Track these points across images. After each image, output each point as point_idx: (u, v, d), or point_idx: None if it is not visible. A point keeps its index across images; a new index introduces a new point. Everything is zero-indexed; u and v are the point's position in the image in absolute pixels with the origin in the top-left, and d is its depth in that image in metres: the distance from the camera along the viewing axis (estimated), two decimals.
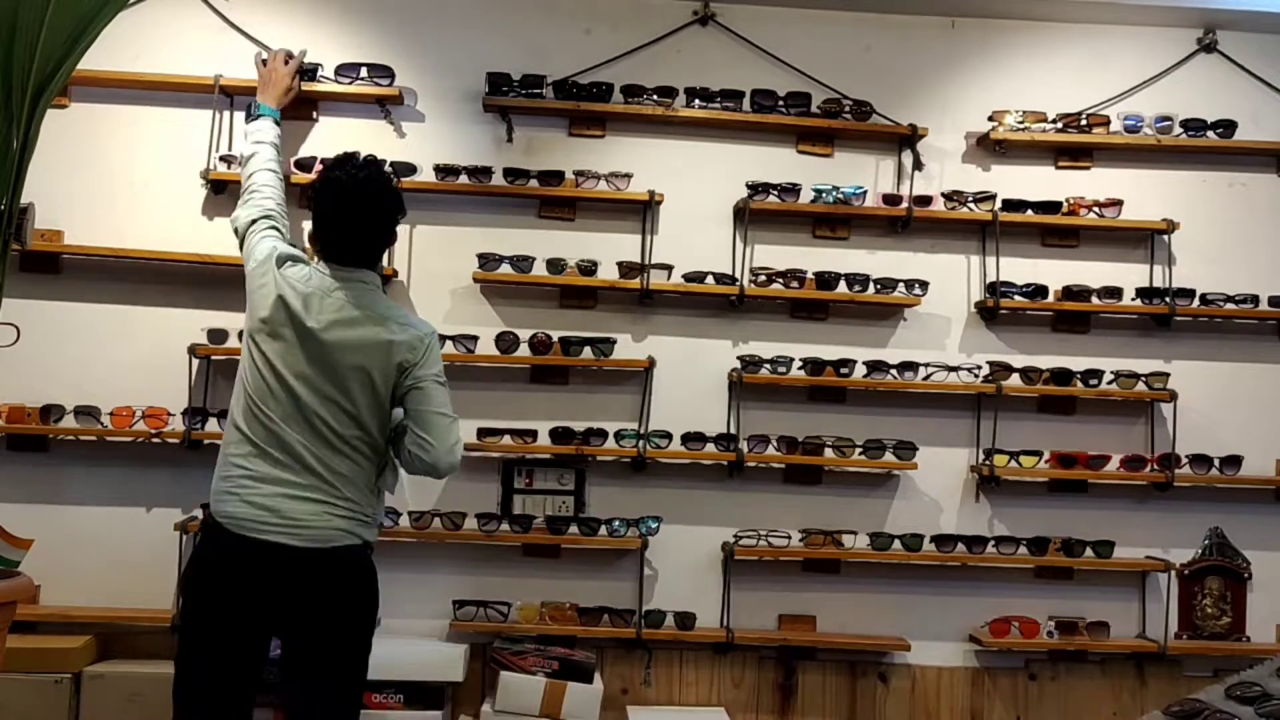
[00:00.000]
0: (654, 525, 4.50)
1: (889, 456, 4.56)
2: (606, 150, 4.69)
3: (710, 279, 4.59)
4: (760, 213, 4.67)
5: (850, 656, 4.60)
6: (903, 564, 4.59)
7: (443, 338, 4.46)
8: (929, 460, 4.61)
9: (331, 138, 4.62)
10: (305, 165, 4.51)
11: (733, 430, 4.59)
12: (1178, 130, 4.77)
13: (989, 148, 4.78)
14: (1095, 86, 4.81)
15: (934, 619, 4.64)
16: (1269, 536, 4.72)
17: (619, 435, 4.50)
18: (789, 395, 4.66)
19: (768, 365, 4.58)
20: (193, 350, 4.41)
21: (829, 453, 4.58)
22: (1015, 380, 4.64)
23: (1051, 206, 4.71)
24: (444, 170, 4.55)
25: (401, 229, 4.58)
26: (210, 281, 4.51)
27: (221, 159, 4.52)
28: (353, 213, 3.17)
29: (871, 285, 4.62)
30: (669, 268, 4.59)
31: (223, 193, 4.58)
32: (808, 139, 4.76)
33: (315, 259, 3.22)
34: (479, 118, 4.65)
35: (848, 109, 4.70)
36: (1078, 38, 4.85)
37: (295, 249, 3.32)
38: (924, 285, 4.62)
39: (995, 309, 4.66)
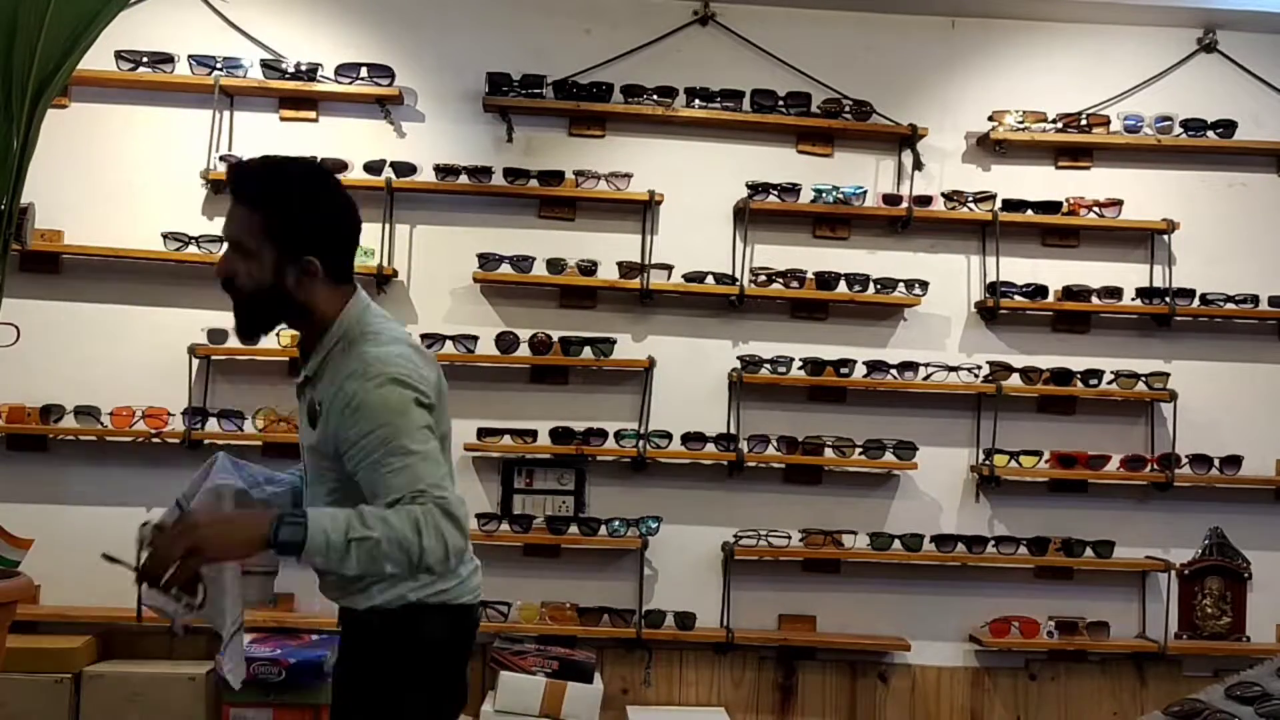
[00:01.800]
0: (654, 525, 4.50)
1: (889, 456, 4.56)
2: (606, 150, 4.69)
3: (710, 279, 4.59)
4: (760, 213, 4.67)
5: (850, 656, 4.60)
6: (903, 564, 4.59)
7: (443, 338, 4.48)
8: (929, 460, 4.61)
9: (332, 138, 4.62)
10: None
11: (733, 430, 4.59)
12: (1178, 130, 4.76)
13: (989, 148, 4.78)
14: (1095, 86, 4.81)
15: (934, 619, 4.64)
16: (1269, 536, 4.72)
17: (619, 435, 4.50)
18: (789, 395, 4.65)
19: (768, 365, 4.58)
20: (193, 350, 4.41)
21: (829, 453, 4.58)
22: (1015, 380, 4.64)
23: (1051, 206, 4.71)
24: (444, 170, 4.55)
25: (401, 229, 4.62)
26: (210, 282, 4.49)
27: (221, 159, 4.52)
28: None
29: (871, 285, 4.62)
30: (669, 268, 4.59)
31: (222, 192, 4.58)
32: (808, 139, 4.76)
33: (355, 294, 2.28)
34: (479, 118, 4.65)
35: (848, 109, 4.70)
36: (1078, 38, 4.85)
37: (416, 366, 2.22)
38: (924, 285, 4.62)
39: (995, 309, 4.66)
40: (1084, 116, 4.76)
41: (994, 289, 4.66)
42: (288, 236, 2.16)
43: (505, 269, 4.52)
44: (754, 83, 4.68)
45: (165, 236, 4.43)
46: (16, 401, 4.36)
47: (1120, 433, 4.74)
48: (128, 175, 4.56)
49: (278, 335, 4.46)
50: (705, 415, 4.60)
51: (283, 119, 4.64)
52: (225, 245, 2.28)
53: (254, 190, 2.21)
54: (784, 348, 4.64)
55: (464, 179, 4.55)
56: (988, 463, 4.59)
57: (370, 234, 4.55)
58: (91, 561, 4.52)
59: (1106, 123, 4.78)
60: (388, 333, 2.19)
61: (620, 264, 4.59)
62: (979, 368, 4.64)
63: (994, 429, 4.64)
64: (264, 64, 4.55)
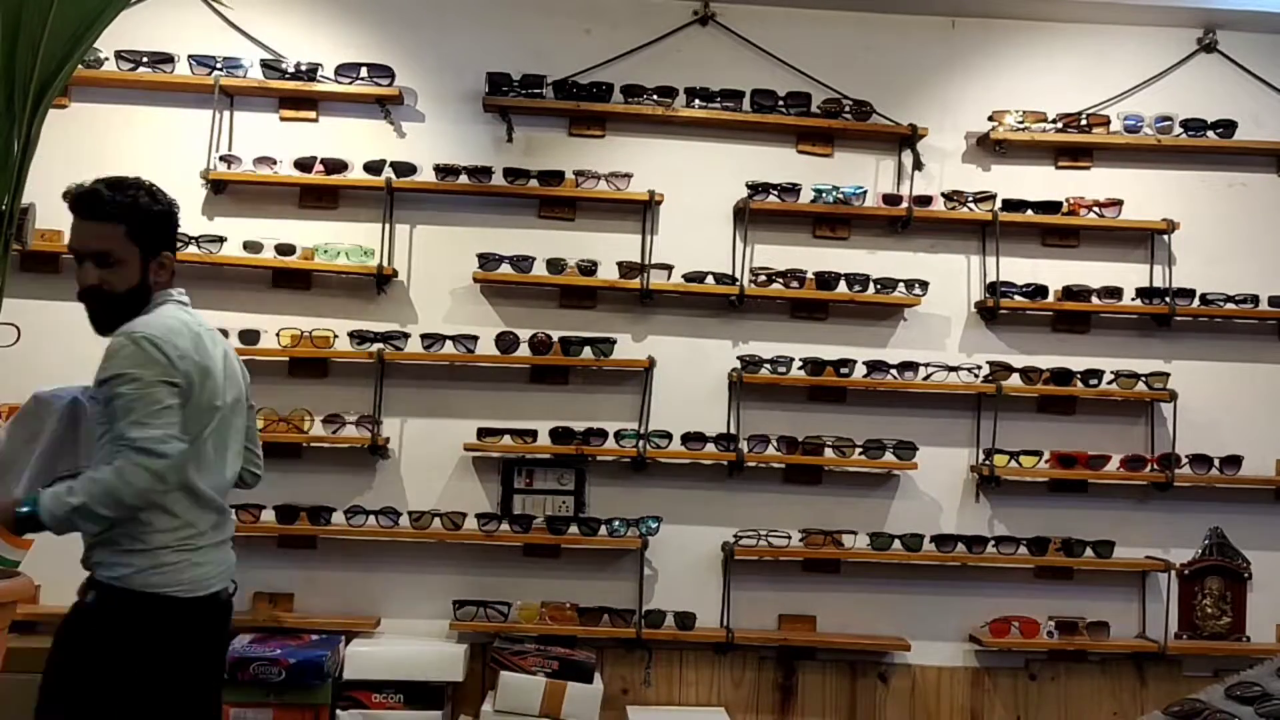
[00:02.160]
0: (654, 525, 4.50)
1: (889, 456, 4.56)
2: (606, 150, 4.69)
3: (710, 279, 4.59)
4: (760, 213, 4.67)
5: (850, 656, 4.60)
6: (903, 564, 4.59)
7: (443, 338, 4.48)
8: (929, 460, 4.61)
9: (332, 138, 4.62)
10: (305, 165, 4.51)
11: (733, 430, 4.59)
12: (1178, 130, 4.77)
13: (989, 148, 4.78)
14: (1095, 86, 4.81)
15: (934, 619, 4.64)
16: (1269, 536, 4.72)
17: (619, 435, 4.50)
18: (789, 395, 4.66)
19: (768, 365, 4.58)
20: None
21: (829, 453, 4.58)
22: (1015, 380, 4.64)
23: (1051, 206, 4.71)
24: (444, 170, 4.55)
25: (401, 229, 4.63)
26: (210, 281, 4.51)
27: (221, 159, 4.52)
28: None
29: (871, 285, 4.62)
30: (669, 268, 4.59)
31: (222, 192, 4.58)
32: (808, 139, 4.76)
33: (170, 291, 2.73)
34: (479, 118, 4.65)
35: (848, 109, 4.70)
36: (1078, 38, 4.85)
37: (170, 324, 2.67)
38: (924, 285, 4.62)
39: (995, 309, 4.66)
40: (1084, 116, 4.76)
41: (994, 289, 4.66)
42: (148, 239, 2.61)
43: (505, 269, 4.52)
44: (754, 83, 4.68)
45: None
46: (16, 401, 4.34)
47: (1120, 433, 4.74)
48: (128, 175, 4.54)
49: (278, 335, 4.47)
50: (705, 415, 4.60)
51: (283, 119, 4.63)
52: (81, 259, 2.62)
53: (109, 207, 2.58)
54: (784, 348, 4.64)
55: (464, 179, 4.55)
56: (988, 463, 4.59)
57: (370, 234, 4.55)
58: None
59: (1106, 123, 4.78)
60: (169, 311, 2.62)
61: (620, 264, 4.59)
62: (979, 368, 4.64)
63: (994, 429, 4.64)
64: (264, 64, 4.55)
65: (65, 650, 2.59)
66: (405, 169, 4.54)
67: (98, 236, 2.57)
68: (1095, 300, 4.68)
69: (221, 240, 4.47)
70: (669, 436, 4.52)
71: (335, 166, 4.53)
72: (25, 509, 2.45)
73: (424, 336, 4.51)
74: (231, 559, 2.72)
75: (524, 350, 4.52)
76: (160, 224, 2.65)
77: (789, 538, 4.54)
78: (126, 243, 2.58)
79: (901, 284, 4.61)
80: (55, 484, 2.46)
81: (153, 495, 2.43)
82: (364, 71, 4.55)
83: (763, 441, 4.55)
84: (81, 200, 2.59)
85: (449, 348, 4.48)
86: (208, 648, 2.67)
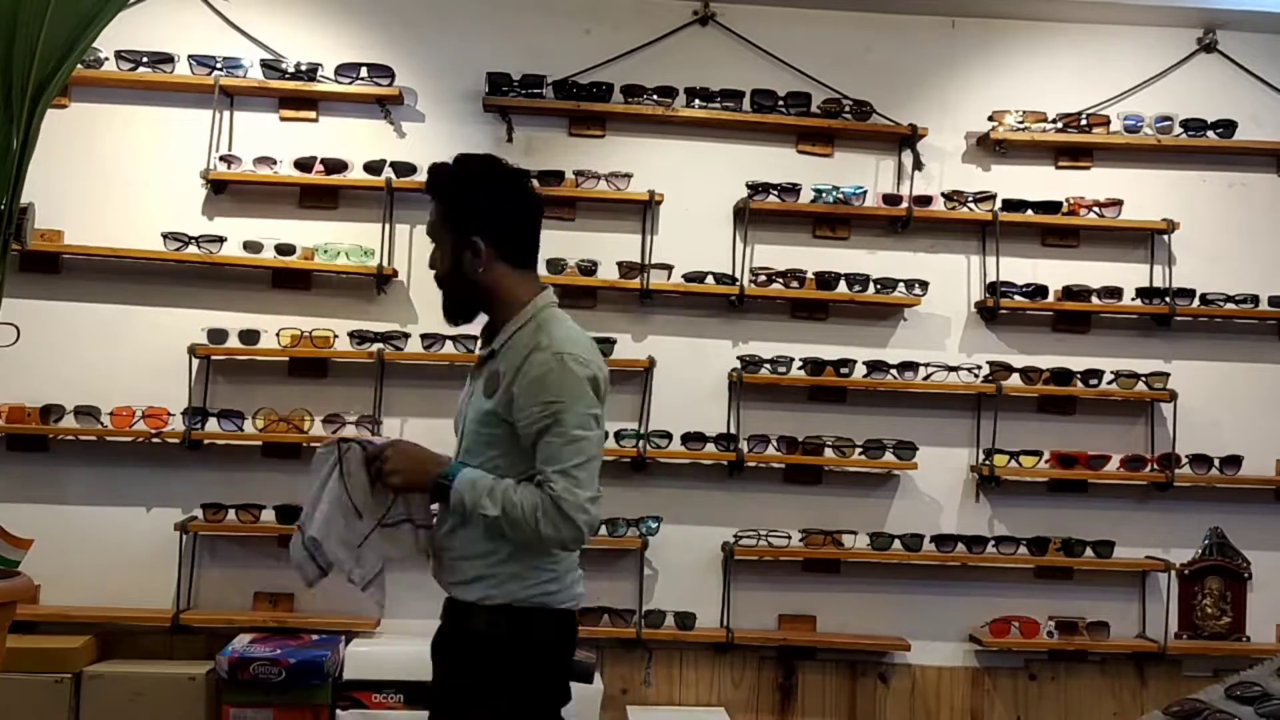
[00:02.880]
0: (654, 525, 4.50)
1: (889, 456, 4.56)
2: (606, 150, 4.69)
3: (710, 279, 4.59)
4: (760, 213, 4.67)
5: (850, 656, 4.60)
6: (903, 564, 4.58)
7: (443, 338, 4.48)
8: (929, 460, 4.61)
9: (332, 138, 4.62)
10: (305, 165, 4.51)
11: (733, 430, 4.59)
12: (1178, 130, 4.76)
13: (989, 148, 4.78)
14: (1095, 86, 4.81)
15: (934, 619, 4.64)
16: (1269, 536, 4.72)
17: (619, 435, 4.50)
18: (789, 395, 4.65)
19: (768, 365, 4.58)
20: (193, 350, 4.41)
21: (829, 453, 4.58)
22: (1015, 380, 4.64)
23: (1051, 206, 4.71)
24: None
25: (401, 229, 4.63)
26: (210, 281, 4.52)
27: (221, 159, 4.52)
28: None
29: (871, 285, 4.62)
30: (669, 268, 4.59)
31: (222, 193, 4.58)
32: (808, 139, 4.76)
33: (545, 289, 2.58)
34: (479, 118, 4.65)
35: (848, 109, 4.70)
36: (1078, 38, 4.85)
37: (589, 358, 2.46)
38: (924, 285, 4.62)
39: (995, 309, 4.66)
40: (1084, 116, 4.76)
41: (994, 289, 4.66)
42: (458, 221, 2.44)
43: None
44: (754, 83, 4.68)
45: (165, 236, 4.43)
46: (16, 401, 4.36)
47: (1120, 433, 4.74)
48: (128, 175, 4.56)
49: (278, 335, 4.47)
50: (705, 415, 4.60)
51: (283, 119, 4.63)
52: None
53: (435, 184, 2.51)
54: (784, 348, 4.64)
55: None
56: (988, 463, 4.59)
57: (370, 234, 4.55)
58: (91, 561, 4.55)
59: (1106, 123, 4.78)
60: (570, 322, 2.48)
61: (620, 264, 4.59)
62: (979, 368, 4.64)
63: (994, 429, 4.64)
64: (264, 64, 4.55)
65: (470, 675, 2.40)
66: (405, 169, 4.54)
67: (431, 216, 2.51)
68: (1095, 300, 4.67)
69: (221, 240, 4.47)
70: (669, 436, 4.52)
71: (335, 166, 4.53)
72: (446, 477, 2.36)
73: (424, 336, 4.51)
74: None
75: None
76: (474, 206, 2.47)
77: (789, 538, 4.54)
78: (440, 225, 2.48)
79: (901, 284, 4.61)
80: (482, 473, 2.35)
81: (564, 548, 2.37)
82: (364, 71, 4.55)
83: (763, 441, 4.55)
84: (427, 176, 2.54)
85: (449, 348, 4.48)
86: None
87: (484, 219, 2.45)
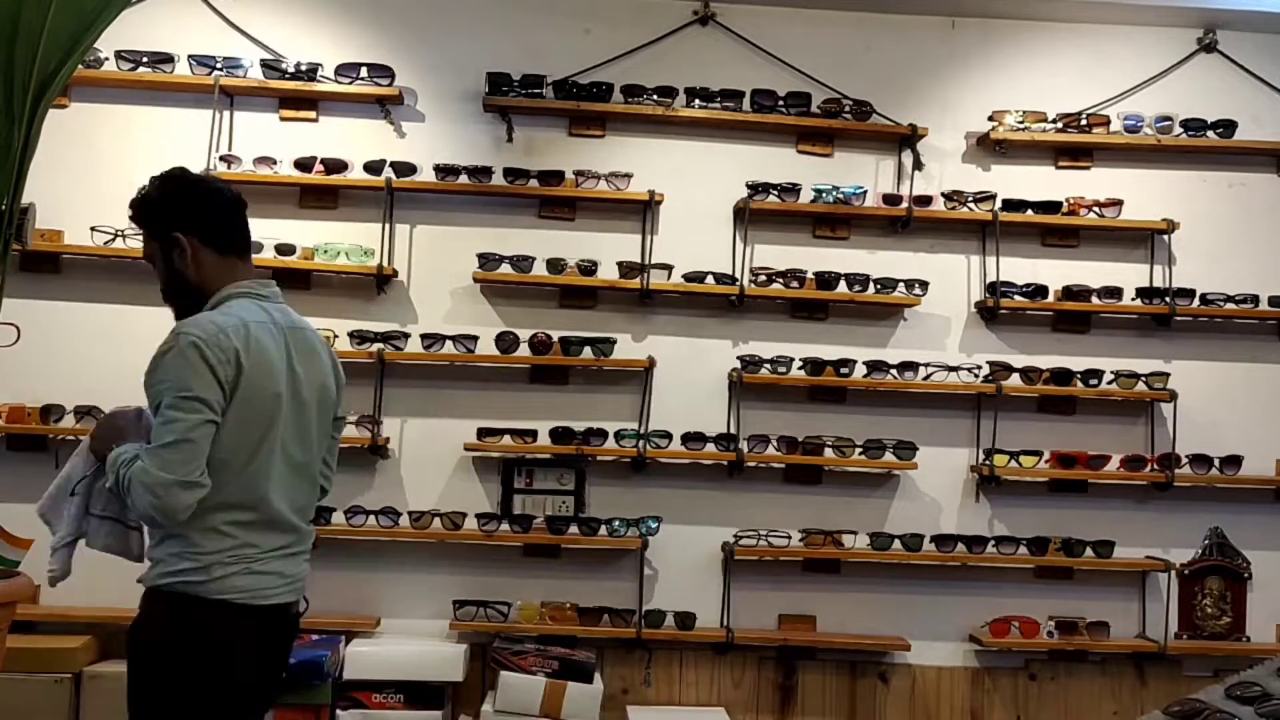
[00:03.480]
0: (654, 525, 4.50)
1: (889, 456, 4.56)
2: (606, 150, 4.69)
3: (710, 279, 4.59)
4: (760, 213, 4.67)
5: (850, 656, 4.60)
6: (903, 564, 4.59)
7: (443, 338, 4.48)
8: (929, 460, 4.61)
9: (332, 137, 4.62)
10: (305, 165, 4.51)
11: (733, 430, 4.59)
12: (1178, 130, 4.77)
13: (989, 148, 4.78)
14: (1095, 86, 4.81)
15: (934, 619, 4.64)
16: (1269, 536, 4.72)
17: (619, 435, 4.50)
18: (789, 395, 4.66)
19: (768, 365, 4.58)
20: None
21: (829, 453, 4.58)
22: (1015, 380, 4.64)
23: (1051, 206, 4.71)
24: (444, 170, 4.55)
25: (401, 229, 4.63)
26: None
27: (221, 159, 4.52)
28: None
29: (871, 285, 4.62)
30: (669, 268, 4.59)
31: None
32: (808, 139, 4.76)
33: (240, 281, 2.62)
34: (479, 118, 4.65)
35: (848, 109, 4.70)
36: (1078, 38, 4.85)
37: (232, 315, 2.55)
38: (924, 285, 4.62)
39: (995, 309, 4.66)
40: (1084, 116, 4.76)
41: (994, 289, 4.66)
42: (159, 229, 2.56)
43: (505, 269, 4.52)
44: (754, 83, 4.68)
45: None
46: (16, 401, 4.36)
47: (1120, 433, 4.74)
48: (128, 175, 4.53)
49: None
50: (705, 415, 4.60)
51: (283, 119, 4.63)
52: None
53: (138, 214, 2.61)
54: (784, 348, 4.64)
55: (464, 179, 4.55)
56: (988, 463, 4.59)
57: (370, 234, 4.55)
58: (91, 561, 4.53)
59: (1106, 123, 4.78)
60: (232, 307, 2.51)
61: (620, 264, 4.59)
62: (979, 368, 4.64)
63: (994, 429, 4.64)
64: (264, 64, 4.55)
65: (132, 663, 2.46)
66: (405, 169, 4.54)
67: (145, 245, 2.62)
68: (1095, 300, 4.68)
69: None
70: (669, 436, 4.52)
71: (335, 166, 4.53)
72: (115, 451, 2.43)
73: (424, 336, 4.51)
74: (303, 571, 2.55)
75: (524, 350, 4.52)
76: (167, 209, 2.58)
77: (789, 538, 4.54)
78: (148, 242, 2.62)
79: (901, 284, 4.61)
80: (133, 446, 2.43)
81: (149, 524, 2.45)
82: (364, 71, 4.56)
83: (763, 441, 4.55)
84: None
85: (449, 348, 4.48)
86: (260, 660, 2.48)
87: (178, 216, 2.56)
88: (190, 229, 2.53)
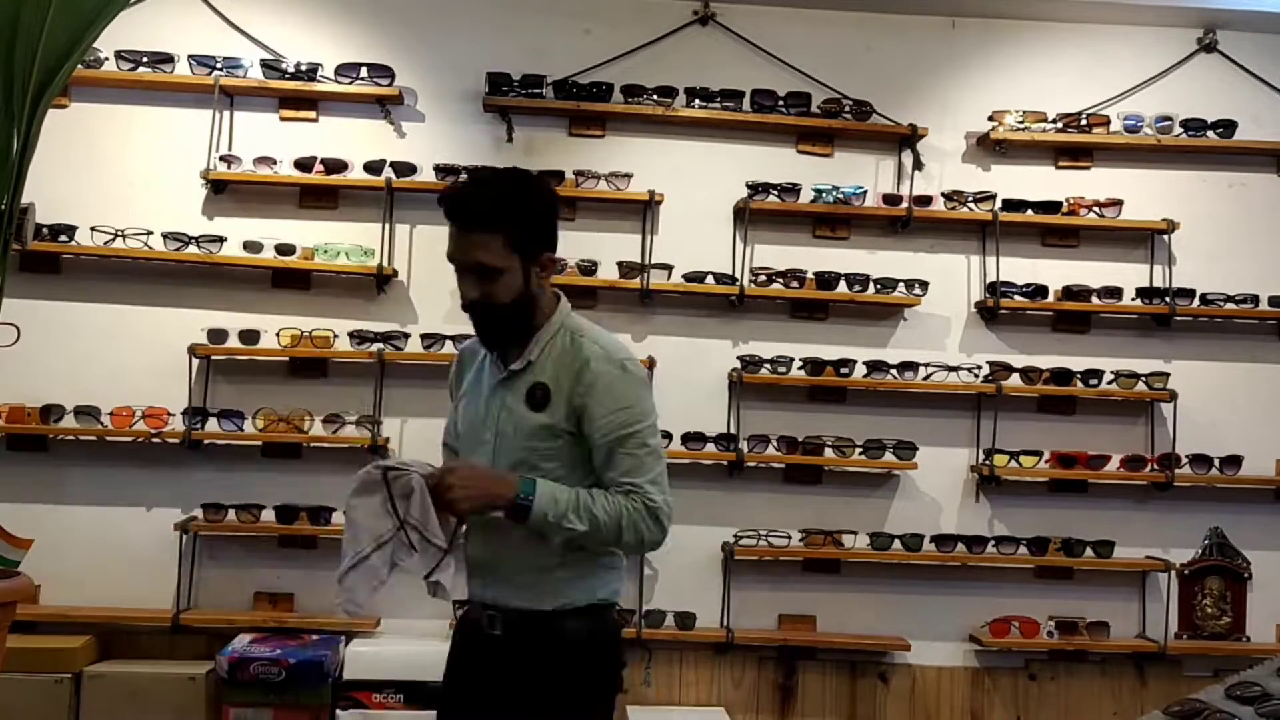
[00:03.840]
0: None
1: (889, 456, 4.56)
2: (606, 150, 4.69)
3: (710, 279, 4.59)
4: (760, 213, 4.67)
5: (850, 656, 4.60)
6: (903, 564, 4.58)
7: (443, 338, 4.47)
8: (929, 460, 4.61)
9: (332, 137, 4.62)
10: (305, 165, 4.51)
11: (733, 430, 4.59)
12: (1178, 130, 4.76)
13: (989, 148, 4.78)
14: (1095, 86, 4.81)
15: (934, 619, 4.64)
16: (1269, 536, 4.72)
17: None
18: (789, 395, 4.65)
19: (768, 365, 4.58)
20: (193, 350, 4.41)
21: (829, 453, 4.58)
22: (1015, 380, 4.64)
23: (1051, 206, 4.71)
24: (444, 170, 4.54)
25: (401, 229, 4.63)
26: (210, 281, 4.52)
27: (221, 159, 4.52)
28: None
29: (871, 285, 4.62)
30: (669, 268, 4.59)
31: (222, 193, 4.58)
32: (808, 139, 4.76)
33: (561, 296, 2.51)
34: (479, 118, 4.65)
35: (848, 109, 4.70)
36: (1078, 38, 4.85)
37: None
38: (924, 285, 4.62)
39: (995, 309, 4.66)
40: (1084, 116, 4.76)
41: (994, 289, 4.66)
42: (528, 244, 2.32)
43: None
44: (754, 83, 4.68)
45: (165, 236, 4.43)
46: (16, 401, 4.36)
47: (1120, 433, 4.74)
48: (128, 175, 4.56)
49: (278, 335, 4.47)
50: (705, 415, 4.60)
51: (283, 119, 4.63)
52: (462, 272, 2.33)
53: (490, 216, 2.29)
54: (784, 348, 4.64)
55: (464, 179, 4.55)
56: (988, 463, 4.59)
57: (370, 234, 4.55)
58: (91, 561, 4.54)
59: (1106, 123, 4.78)
60: (599, 328, 2.48)
61: (620, 264, 4.59)
62: (979, 368, 4.64)
63: (994, 429, 4.64)
64: (264, 64, 4.55)
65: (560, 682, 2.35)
66: (405, 169, 4.54)
67: (468, 248, 2.30)
68: (1095, 300, 4.67)
69: (221, 240, 4.47)
70: (669, 436, 4.51)
71: (335, 166, 4.53)
72: (524, 496, 2.22)
73: (424, 336, 4.51)
74: None
75: None
76: (541, 225, 2.37)
77: (789, 538, 4.54)
78: (506, 253, 2.30)
79: (901, 284, 4.61)
80: (560, 487, 2.27)
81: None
82: (364, 71, 4.55)
83: (763, 441, 4.55)
84: (448, 203, 2.33)
85: (449, 348, 4.48)
86: None
87: (551, 235, 2.39)
88: (554, 249, 2.39)
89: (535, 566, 2.33)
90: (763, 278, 4.61)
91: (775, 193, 4.65)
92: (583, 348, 2.36)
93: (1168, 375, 4.68)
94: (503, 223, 2.28)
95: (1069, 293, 4.68)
